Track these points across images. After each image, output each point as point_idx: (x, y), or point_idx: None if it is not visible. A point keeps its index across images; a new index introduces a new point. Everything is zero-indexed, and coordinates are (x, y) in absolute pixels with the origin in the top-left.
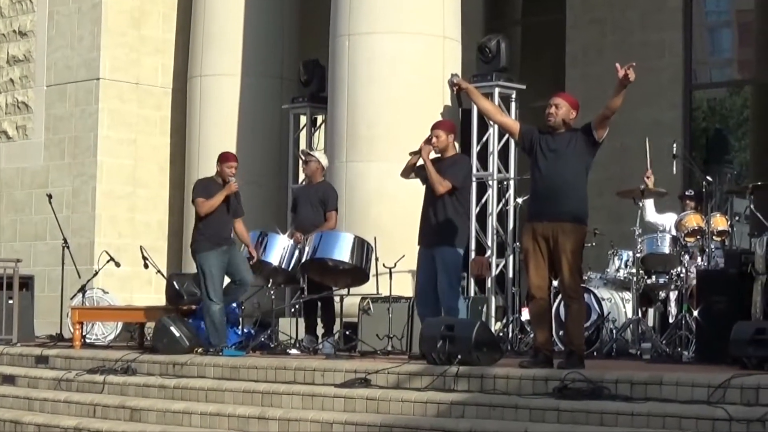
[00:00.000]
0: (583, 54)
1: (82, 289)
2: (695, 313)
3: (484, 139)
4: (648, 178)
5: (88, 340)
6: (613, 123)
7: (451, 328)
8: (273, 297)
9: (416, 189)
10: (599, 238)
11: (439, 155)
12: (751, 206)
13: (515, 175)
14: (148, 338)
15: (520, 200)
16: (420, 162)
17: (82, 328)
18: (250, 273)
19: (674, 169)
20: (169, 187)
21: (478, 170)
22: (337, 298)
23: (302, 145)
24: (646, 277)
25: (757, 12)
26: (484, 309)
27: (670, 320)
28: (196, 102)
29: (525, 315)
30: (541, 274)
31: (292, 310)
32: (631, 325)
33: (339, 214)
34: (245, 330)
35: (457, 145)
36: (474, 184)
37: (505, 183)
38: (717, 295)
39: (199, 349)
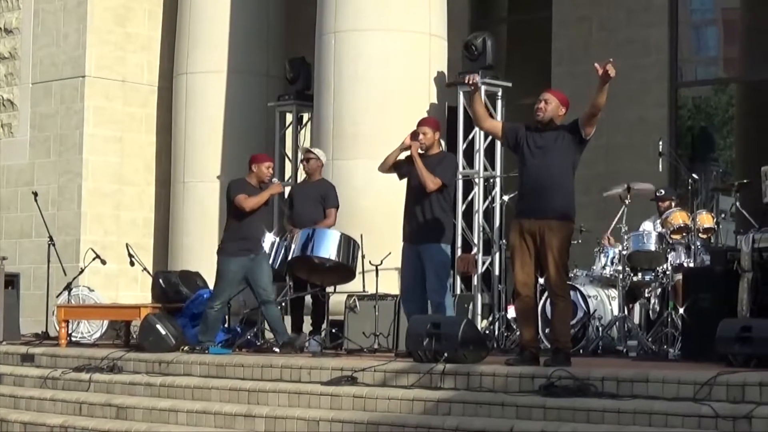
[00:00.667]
0: (569, 51)
1: (68, 287)
2: (681, 310)
3: (470, 136)
4: (606, 239)
5: (73, 338)
6: (599, 120)
7: (438, 326)
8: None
9: (402, 187)
10: (585, 235)
11: (424, 152)
12: (737, 204)
13: (501, 173)
14: (134, 336)
15: (506, 198)
16: (402, 157)
17: (67, 326)
18: (269, 288)
19: (660, 166)
20: (155, 184)
21: (464, 168)
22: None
23: (288, 143)
24: (632, 274)
25: (742, 10)
26: (470, 306)
27: (656, 317)
28: (182, 99)
29: (511, 312)
30: (527, 271)
31: (278, 307)
32: (617, 323)
33: None
34: (232, 328)
35: (442, 142)
36: (460, 182)
37: (492, 180)
38: (703, 293)
39: (186, 347)
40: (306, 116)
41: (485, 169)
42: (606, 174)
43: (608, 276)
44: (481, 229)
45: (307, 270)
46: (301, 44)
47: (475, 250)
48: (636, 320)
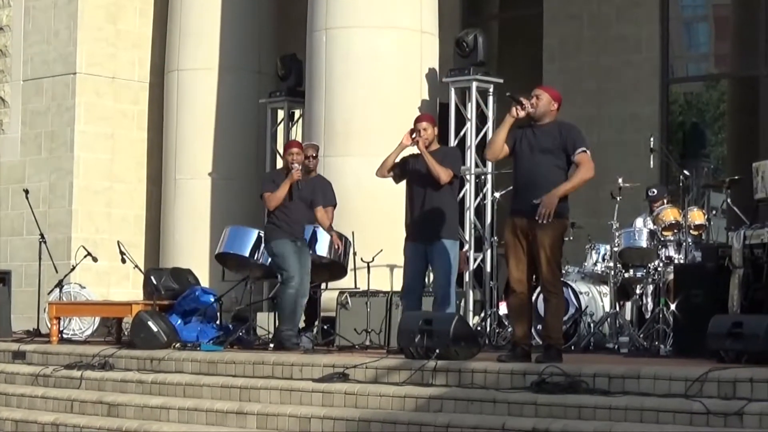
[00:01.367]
0: (560, 48)
1: (59, 284)
2: (672, 306)
3: (462, 133)
4: None
5: (65, 336)
6: (591, 117)
7: (429, 323)
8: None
9: (394, 184)
10: (577, 231)
11: (425, 148)
12: (728, 200)
13: (493, 170)
14: (126, 333)
15: (497, 194)
16: (400, 157)
17: (59, 323)
18: (307, 281)
19: (651, 163)
20: (147, 181)
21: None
22: None
23: (280, 140)
24: (623, 270)
25: (733, 6)
26: (462, 303)
27: (648, 314)
28: (173, 96)
29: (503, 309)
30: (521, 268)
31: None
32: (608, 319)
33: None
34: (223, 325)
35: None
36: None
37: (483, 177)
38: (694, 289)
39: (177, 344)
40: (297, 113)
41: (476, 166)
42: (597, 170)
43: (600, 272)
44: (472, 226)
45: None
46: (293, 41)
47: (466, 246)
48: (627, 317)
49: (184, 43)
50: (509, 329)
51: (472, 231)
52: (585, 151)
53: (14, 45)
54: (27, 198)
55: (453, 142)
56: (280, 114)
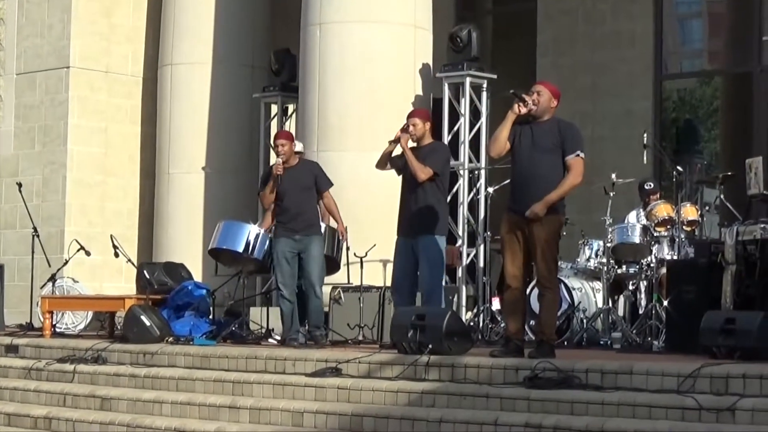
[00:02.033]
0: (554, 44)
1: (52, 278)
2: (665, 302)
3: (455, 128)
4: None
5: (58, 330)
6: (585, 112)
7: (422, 318)
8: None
9: (388, 179)
10: (570, 227)
11: (415, 144)
12: (721, 196)
13: (486, 165)
14: (119, 327)
15: (491, 189)
16: (397, 152)
17: (52, 317)
18: (316, 273)
19: (645, 159)
20: (140, 175)
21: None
22: None
23: (273, 135)
24: (616, 266)
25: (727, 2)
26: (455, 298)
27: (641, 310)
28: (166, 90)
29: (495, 304)
30: (516, 263)
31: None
32: (601, 315)
33: None
34: (216, 319)
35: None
36: None
37: (477, 172)
38: (687, 285)
39: (170, 339)
40: (291, 107)
41: (470, 161)
42: (590, 166)
43: (593, 268)
44: (465, 221)
45: None
46: (287, 35)
47: (459, 242)
48: (620, 312)
49: (178, 37)
50: (502, 324)
51: (466, 226)
52: (578, 155)
53: (8, 39)
54: (20, 191)
55: (446, 137)
56: (274, 108)
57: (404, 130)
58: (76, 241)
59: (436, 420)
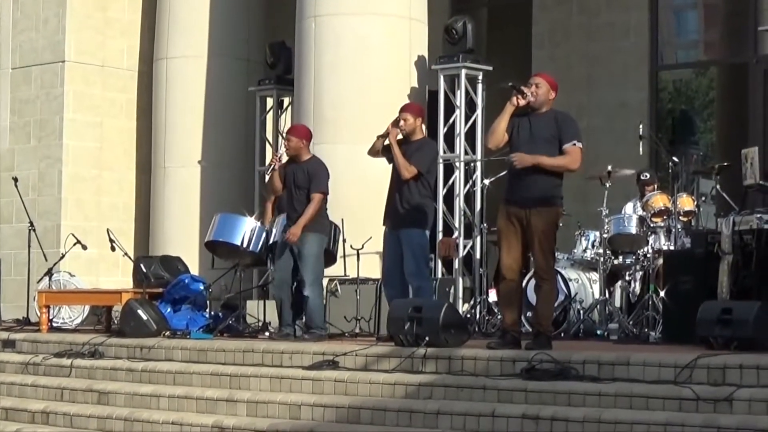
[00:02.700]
0: (549, 35)
1: (49, 273)
2: (662, 293)
3: (451, 120)
4: None
5: (55, 324)
6: (580, 104)
7: (419, 310)
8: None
9: (383, 171)
10: (566, 218)
11: (403, 138)
12: (717, 186)
13: (482, 157)
14: (116, 321)
15: (487, 181)
16: (387, 144)
17: (48, 311)
18: (309, 271)
19: (641, 150)
20: (136, 169)
21: (444, 152)
22: None
23: (269, 128)
24: (613, 257)
25: None
26: (452, 290)
27: (637, 301)
28: (162, 84)
29: (492, 296)
30: (513, 255)
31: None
32: (598, 306)
33: None
34: (213, 313)
35: (424, 128)
36: (441, 166)
37: (472, 164)
38: (683, 276)
39: (167, 333)
40: (287, 101)
41: (466, 153)
42: (586, 157)
43: (589, 259)
44: (462, 213)
45: None
46: (282, 28)
47: (456, 234)
48: (617, 303)
49: (173, 30)
50: (499, 316)
51: (462, 218)
52: (576, 145)
53: (2, 33)
54: (16, 186)
55: (442, 129)
56: (269, 102)
57: (395, 123)
58: (73, 235)
59: (433, 412)
